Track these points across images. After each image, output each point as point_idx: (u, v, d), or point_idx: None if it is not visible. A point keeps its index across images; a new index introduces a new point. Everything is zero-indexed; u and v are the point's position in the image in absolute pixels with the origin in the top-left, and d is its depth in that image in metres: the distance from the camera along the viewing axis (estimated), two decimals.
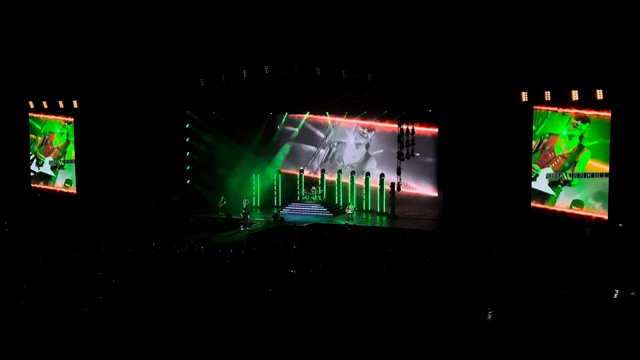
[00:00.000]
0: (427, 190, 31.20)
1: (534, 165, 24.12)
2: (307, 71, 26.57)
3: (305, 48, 26.11)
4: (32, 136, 33.12)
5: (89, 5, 25.39)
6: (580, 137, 22.68)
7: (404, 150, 27.37)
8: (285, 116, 33.96)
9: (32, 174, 33.23)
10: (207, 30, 26.95)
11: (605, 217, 22.11)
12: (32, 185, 33.16)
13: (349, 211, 28.13)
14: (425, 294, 13.96)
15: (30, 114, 32.80)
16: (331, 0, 24.41)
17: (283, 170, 33.03)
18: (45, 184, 32.88)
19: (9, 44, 29.47)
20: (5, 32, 28.81)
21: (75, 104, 31.00)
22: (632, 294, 10.84)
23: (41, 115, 32.57)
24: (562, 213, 23.47)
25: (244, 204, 27.58)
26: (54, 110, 31.88)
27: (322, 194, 31.14)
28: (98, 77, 29.71)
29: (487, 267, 18.15)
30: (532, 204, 24.31)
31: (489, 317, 9.84)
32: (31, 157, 33.17)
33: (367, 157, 32.85)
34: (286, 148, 34.33)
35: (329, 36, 25.56)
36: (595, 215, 22.50)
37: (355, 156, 33.11)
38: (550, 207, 23.86)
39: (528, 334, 11.11)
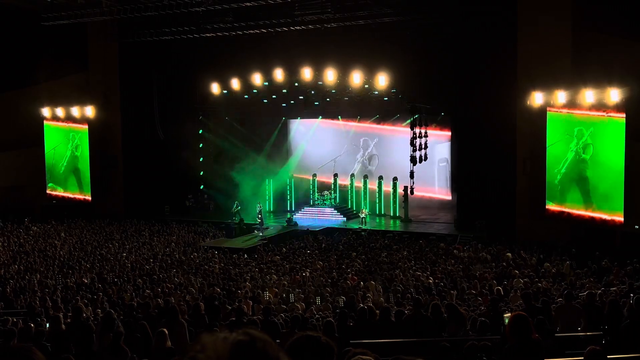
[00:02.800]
0: (440, 193, 31.08)
1: None
2: (318, 75, 26.62)
3: (317, 51, 26.14)
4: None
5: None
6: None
7: (416, 153, 27.28)
8: (297, 121, 34.02)
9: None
10: (220, 35, 27.12)
11: (621, 219, 21.94)
12: (47, 192, 33.44)
13: (362, 215, 28.10)
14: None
15: (45, 122, 33.10)
16: (344, 4, 24.52)
17: (296, 175, 33.04)
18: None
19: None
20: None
21: (90, 110, 31.29)
22: None
23: (55, 123, 32.86)
24: (578, 215, 23.32)
25: (258, 209, 27.68)
26: (68, 117, 32.18)
27: (334, 198, 31.12)
28: (111, 83, 29.99)
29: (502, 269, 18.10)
30: (547, 207, 24.18)
31: (506, 321, 9.80)
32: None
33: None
34: (299, 153, 34.30)
35: (341, 39, 25.63)
36: (610, 217, 22.35)
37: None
38: (565, 209, 23.73)
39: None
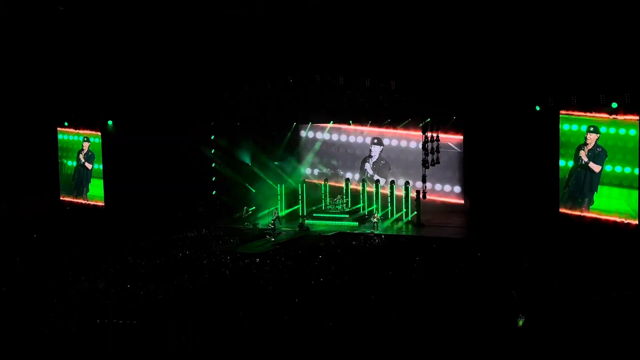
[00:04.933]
0: (452, 197, 30.94)
1: None
2: (330, 80, 26.64)
3: (328, 57, 26.18)
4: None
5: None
6: None
7: (428, 157, 27.25)
8: (309, 126, 34.03)
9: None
10: (232, 43, 27.30)
11: (635, 222, 21.79)
12: (61, 198, 33.65)
13: (375, 220, 28.03)
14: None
15: (58, 128, 33.34)
16: (356, 7, 24.58)
17: (308, 180, 33.03)
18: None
19: (40, 59, 30.19)
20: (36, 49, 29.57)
21: (103, 117, 31.52)
22: None
23: (68, 130, 33.08)
24: (592, 219, 23.16)
25: (274, 215, 27.84)
26: (82, 124, 32.44)
27: (347, 203, 31.07)
28: (124, 91, 30.12)
29: (517, 274, 18.01)
30: (561, 210, 24.05)
31: (520, 323, 9.76)
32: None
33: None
34: (310, 157, 34.30)
35: (353, 44, 25.64)
36: (625, 220, 22.21)
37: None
38: (578, 213, 23.59)
39: (559, 341, 10.98)
